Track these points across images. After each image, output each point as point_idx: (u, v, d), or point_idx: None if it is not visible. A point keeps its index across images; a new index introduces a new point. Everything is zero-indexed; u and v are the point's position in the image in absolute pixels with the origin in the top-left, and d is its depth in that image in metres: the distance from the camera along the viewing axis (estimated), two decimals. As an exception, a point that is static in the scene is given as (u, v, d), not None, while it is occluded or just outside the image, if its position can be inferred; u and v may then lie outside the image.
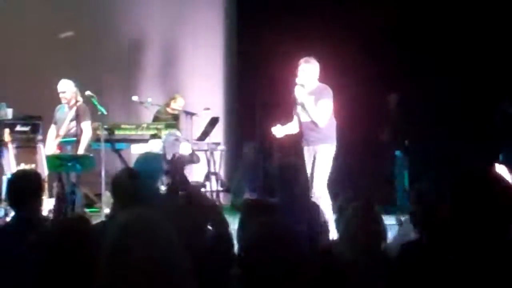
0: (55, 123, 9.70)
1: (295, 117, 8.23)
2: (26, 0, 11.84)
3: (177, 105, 10.97)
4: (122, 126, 9.90)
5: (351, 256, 3.87)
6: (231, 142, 12.61)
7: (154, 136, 9.86)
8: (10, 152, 9.19)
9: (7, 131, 9.36)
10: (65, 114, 9.57)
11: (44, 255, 3.23)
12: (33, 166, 9.26)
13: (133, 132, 9.95)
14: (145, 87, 11.74)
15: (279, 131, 8.22)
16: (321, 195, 7.66)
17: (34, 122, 10.11)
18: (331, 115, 8.15)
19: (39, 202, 4.80)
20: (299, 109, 8.15)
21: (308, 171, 7.82)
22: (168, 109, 10.92)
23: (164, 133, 9.90)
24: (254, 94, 10.37)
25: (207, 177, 10.89)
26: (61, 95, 9.56)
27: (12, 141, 9.31)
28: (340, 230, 4.45)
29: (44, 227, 4.25)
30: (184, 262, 2.51)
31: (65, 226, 3.72)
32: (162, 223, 2.52)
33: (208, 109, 10.93)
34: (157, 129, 9.99)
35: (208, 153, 10.84)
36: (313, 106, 7.98)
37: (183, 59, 12.79)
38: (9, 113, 10.23)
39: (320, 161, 7.96)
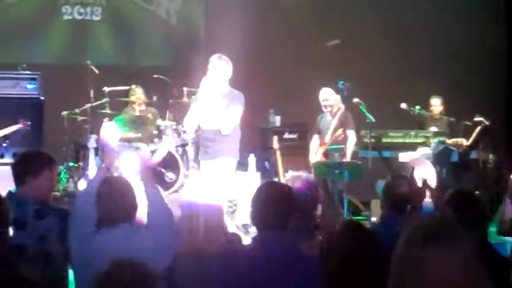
0: (318, 132, 9.73)
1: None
2: (291, 9, 12.05)
3: (432, 107, 10.53)
4: (390, 133, 9.66)
5: None
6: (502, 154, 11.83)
7: (422, 144, 9.52)
8: (278, 158, 9.29)
9: (275, 138, 9.49)
10: (328, 122, 9.58)
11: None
12: (300, 173, 9.30)
13: (400, 140, 9.68)
14: (411, 92, 11.41)
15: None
16: None
17: (302, 130, 10.22)
18: (238, 126, 7.30)
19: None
20: (202, 112, 7.26)
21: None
22: (430, 114, 10.53)
23: (432, 141, 9.52)
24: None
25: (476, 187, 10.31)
26: (324, 103, 9.60)
27: (280, 148, 9.41)
28: None
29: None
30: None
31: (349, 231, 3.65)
32: (463, 232, 2.27)
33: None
34: (425, 137, 9.63)
35: (480, 163, 10.23)
36: (223, 110, 7.09)
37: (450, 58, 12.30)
38: (277, 120, 10.44)
39: (219, 176, 6.93)
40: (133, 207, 3.99)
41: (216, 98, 7.15)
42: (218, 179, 6.95)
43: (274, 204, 3.75)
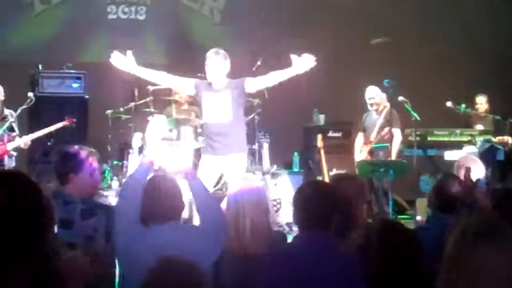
0: (364, 131, 9.67)
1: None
2: (340, 7, 12.03)
3: (478, 105, 10.38)
4: (435, 132, 9.56)
5: None
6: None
7: (468, 142, 9.41)
8: (322, 157, 9.26)
9: (319, 136, 9.45)
10: (374, 120, 9.51)
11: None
12: (344, 171, 9.26)
13: (446, 138, 9.57)
14: (456, 90, 11.27)
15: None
16: None
17: (346, 128, 10.17)
18: (244, 120, 7.23)
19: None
20: (207, 107, 7.04)
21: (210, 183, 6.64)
22: (476, 112, 10.39)
23: (478, 139, 9.41)
24: None
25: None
26: (370, 101, 9.54)
27: (324, 146, 9.36)
28: None
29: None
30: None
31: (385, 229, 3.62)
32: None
33: None
34: (471, 135, 9.52)
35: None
36: (229, 102, 6.91)
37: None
38: (321, 119, 10.40)
39: (234, 175, 6.51)
40: (181, 205, 4.01)
41: (218, 92, 7.01)
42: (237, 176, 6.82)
43: (314, 203, 3.70)
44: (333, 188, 4.16)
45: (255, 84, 7.15)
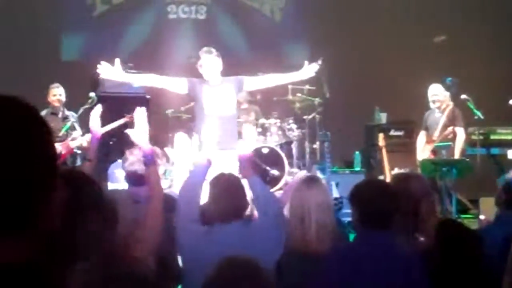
0: (426, 129, 9.55)
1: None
2: (401, 6, 11.93)
3: None
4: (498, 130, 9.40)
5: None
6: None
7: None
8: (384, 156, 9.14)
9: (381, 135, 9.33)
10: (437, 118, 9.38)
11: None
12: (407, 170, 9.14)
13: (509, 137, 9.41)
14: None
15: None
16: None
17: (408, 127, 10.05)
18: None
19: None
20: (210, 99, 6.91)
21: None
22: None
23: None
24: None
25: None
26: (433, 98, 9.41)
27: (386, 145, 9.25)
28: None
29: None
30: None
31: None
32: None
33: None
34: (533, 133, 9.34)
35: None
36: (231, 94, 6.94)
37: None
38: (383, 117, 10.30)
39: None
40: (245, 204, 4.03)
41: (219, 86, 7.01)
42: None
43: (371, 202, 3.64)
44: (391, 187, 4.10)
45: (254, 83, 7.31)
